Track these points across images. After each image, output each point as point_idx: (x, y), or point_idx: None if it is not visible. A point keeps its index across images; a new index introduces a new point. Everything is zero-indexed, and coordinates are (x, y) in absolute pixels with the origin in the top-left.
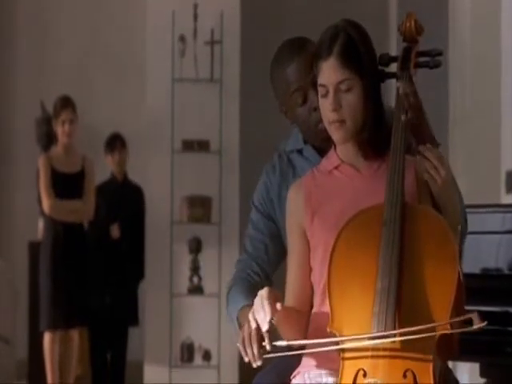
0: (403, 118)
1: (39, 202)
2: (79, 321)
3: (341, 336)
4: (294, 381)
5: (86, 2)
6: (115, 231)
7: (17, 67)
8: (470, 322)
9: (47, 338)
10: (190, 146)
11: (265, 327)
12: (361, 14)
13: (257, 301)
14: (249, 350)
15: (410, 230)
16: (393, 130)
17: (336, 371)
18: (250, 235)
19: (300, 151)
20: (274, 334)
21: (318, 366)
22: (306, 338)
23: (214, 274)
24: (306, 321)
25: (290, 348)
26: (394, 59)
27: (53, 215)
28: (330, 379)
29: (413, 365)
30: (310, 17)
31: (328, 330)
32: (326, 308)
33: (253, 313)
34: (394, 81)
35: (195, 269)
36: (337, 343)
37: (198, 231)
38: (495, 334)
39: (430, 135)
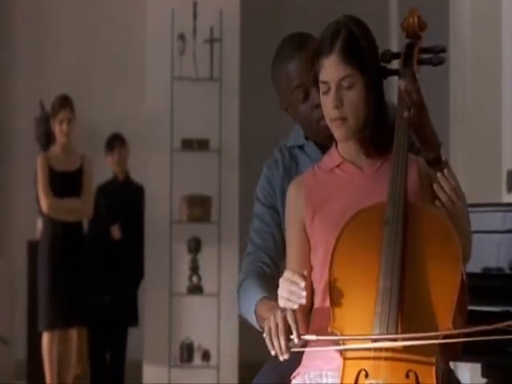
0: (406, 114)
1: (38, 201)
2: (78, 320)
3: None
4: (294, 381)
5: (86, 1)
6: (116, 232)
7: (17, 67)
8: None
9: (46, 337)
10: (189, 144)
11: (302, 300)
12: (361, 12)
13: (284, 284)
14: (276, 343)
15: (412, 229)
16: (395, 128)
17: (337, 372)
18: (256, 228)
19: (301, 147)
20: None
21: (319, 367)
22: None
23: (214, 273)
24: (306, 320)
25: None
26: (396, 56)
27: (51, 214)
28: (331, 379)
29: (415, 366)
30: (310, 15)
31: (329, 329)
32: (327, 307)
33: (282, 299)
34: (396, 77)
35: (195, 268)
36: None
37: (197, 230)
38: (496, 334)
39: (432, 134)
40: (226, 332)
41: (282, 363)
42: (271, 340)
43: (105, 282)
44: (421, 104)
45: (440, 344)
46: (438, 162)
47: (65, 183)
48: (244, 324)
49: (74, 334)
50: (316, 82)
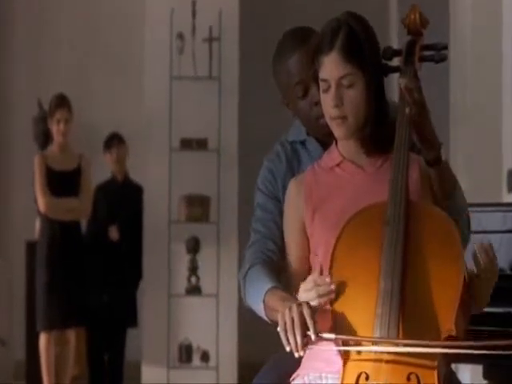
0: (407, 111)
1: (36, 201)
2: (76, 321)
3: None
4: (293, 382)
5: (84, 0)
6: (114, 233)
7: (15, 66)
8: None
9: (43, 338)
10: (188, 144)
11: (333, 294)
12: (361, 10)
13: (308, 281)
14: (291, 339)
15: (413, 228)
16: (397, 125)
17: (337, 374)
18: (259, 217)
19: (303, 143)
20: None
21: (319, 369)
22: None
23: (213, 274)
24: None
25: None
26: (397, 53)
27: (48, 214)
28: (331, 381)
29: (417, 369)
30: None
31: (328, 331)
32: (327, 308)
33: (305, 291)
34: (396, 75)
35: (193, 269)
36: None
37: (196, 231)
38: (498, 336)
39: (432, 134)
40: (225, 333)
41: (282, 364)
42: (286, 335)
43: (103, 283)
44: (422, 102)
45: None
46: (437, 163)
47: (62, 183)
48: (243, 324)
49: (71, 334)
50: (316, 79)
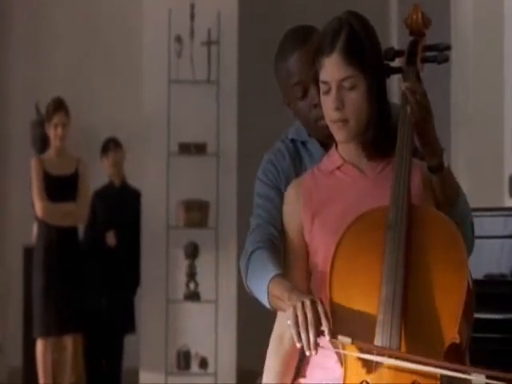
0: (409, 113)
1: (33, 205)
2: (73, 327)
3: (343, 347)
4: None
5: (82, 3)
6: (111, 239)
7: (13, 70)
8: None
9: (40, 344)
10: (186, 148)
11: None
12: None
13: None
14: (304, 336)
15: (416, 233)
16: (398, 127)
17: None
18: (260, 204)
19: (304, 143)
20: None
21: (319, 377)
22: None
23: (211, 279)
24: None
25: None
26: (399, 53)
27: (45, 218)
28: None
29: (420, 377)
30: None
31: (329, 339)
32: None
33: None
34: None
35: (192, 274)
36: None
37: (194, 236)
38: (500, 342)
39: (435, 139)
40: (224, 339)
41: None
42: (298, 330)
43: (101, 288)
44: (426, 106)
45: (446, 356)
46: (440, 169)
47: (60, 187)
48: (242, 331)
49: (69, 340)
50: (316, 80)
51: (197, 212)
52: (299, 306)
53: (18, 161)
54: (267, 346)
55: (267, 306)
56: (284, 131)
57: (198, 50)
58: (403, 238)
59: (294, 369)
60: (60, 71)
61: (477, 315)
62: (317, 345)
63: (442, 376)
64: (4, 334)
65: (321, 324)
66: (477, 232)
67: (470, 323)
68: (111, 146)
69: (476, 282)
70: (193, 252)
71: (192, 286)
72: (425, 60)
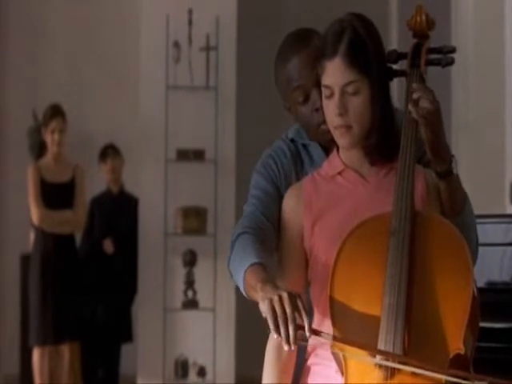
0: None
1: (30, 213)
2: (69, 336)
3: (344, 356)
4: None
5: (79, 9)
6: (108, 246)
7: (10, 77)
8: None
9: (36, 353)
10: (184, 155)
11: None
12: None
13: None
14: (283, 330)
15: (420, 240)
16: (402, 132)
17: None
18: (255, 195)
19: (305, 146)
20: None
21: None
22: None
23: (210, 287)
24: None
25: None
26: (403, 56)
27: (42, 226)
28: None
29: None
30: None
31: (330, 350)
32: (327, 326)
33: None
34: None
35: (190, 282)
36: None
37: (192, 243)
38: (502, 352)
39: (444, 144)
40: (222, 348)
41: None
42: (276, 323)
43: (98, 297)
44: (433, 110)
45: (450, 366)
46: (448, 175)
47: (57, 194)
48: (241, 339)
49: (65, 349)
50: (318, 84)
51: (195, 219)
52: (276, 298)
53: (16, 168)
54: None
55: (244, 294)
56: None
57: (196, 56)
58: (406, 245)
59: (291, 376)
60: (57, 77)
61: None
62: (296, 339)
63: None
64: (1, 341)
65: (301, 319)
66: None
67: (475, 333)
68: (110, 152)
69: (478, 290)
70: (191, 259)
71: (190, 293)
72: (429, 63)
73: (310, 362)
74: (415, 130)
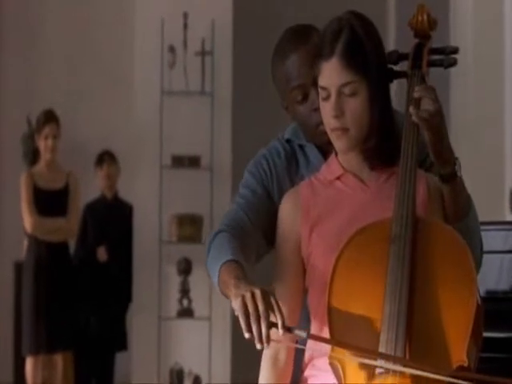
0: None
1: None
2: (63, 345)
3: (343, 367)
4: None
5: (73, 14)
6: (102, 254)
7: (4, 83)
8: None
9: (29, 362)
10: (179, 161)
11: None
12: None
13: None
14: (255, 328)
15: (421, 247)
16: (403, 135)
17: None
18: (242, 194)
19: (301, 147)
20: None
21: None
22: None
23: (205, 296)
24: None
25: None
26: (404, 57)
27: (35, 233)
28: None
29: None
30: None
31: (328, 360)
32: (325, 335)
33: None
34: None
35: (185, 291)
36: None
37: (187, 251)
38: (502, 362)
39: (448, 146)
40: (218, 357)
41: None
42: (247, 321)
43: (91, 305)
44: (435, 112)
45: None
46: (452, 178)
47: (50, 202)
48: (236, 348)
49: (59, 358)
50: (315, 84)
51: (190, 227)
52: (248, 295)
53: (10, 175)
54: None
55: (220, 291)
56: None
57: (191, 61)
58: (408, 253)
59: None
60: (51, 83)
61: None
62: (269, 337)
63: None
64: None
65: (274, 316)
66: None
67: (478, 343)
68: (106, 158)
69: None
70: (186, 268)
71: (185, 302)
72: (431, 64)
73: (306, 373)
74: (417, 133)
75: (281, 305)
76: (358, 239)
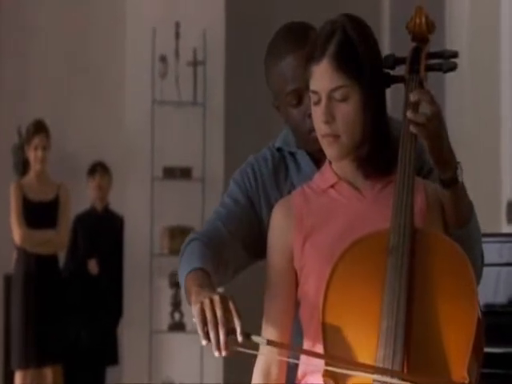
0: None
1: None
2: (52, 359)
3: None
4: None
5: (64, 24)
6: (93, 267)
7: None
8: None
9: (18, 377)
10: (171, 173)
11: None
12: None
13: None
14: (213, 335)
15: (420, 259)
16: (400, 142)
17: None
18: (224, 203)
19: (292, 154)
20: None
21: None
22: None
23: None
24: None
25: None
26: (401, 61)
27: (24, 245)
28: None
29: None
30: None
31: (322, 378)
32: (318, 351)
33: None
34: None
35: (176, 304)
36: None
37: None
38: (498, 378)
39: (449, 151)
40: (210, 371)
41: None
42: (205, 329)
43: (82, 319)
44: (432, 115)
45: None
46: (453, 184)
47: (39, 213)
48: (228, 363)
49: (48, 372)
50: (308, 89)
51: (182, 239)
52: (207, 302)
53: (0, 186)
54: None
55: (188, 301)
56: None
57: (183, 71)
58: (406, 265)
59: None
60: (42, 94)
61: None
62: (227, 344)
63: None
64: None
65: (232, 322)
66: None
67: (479, 359)
68: (98, 169)
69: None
70: (177, 281)
71: (177, 316)
72: (429, 68)
73: None
74: (414, 140)
75: (239, 311)
76: (354, 251)
